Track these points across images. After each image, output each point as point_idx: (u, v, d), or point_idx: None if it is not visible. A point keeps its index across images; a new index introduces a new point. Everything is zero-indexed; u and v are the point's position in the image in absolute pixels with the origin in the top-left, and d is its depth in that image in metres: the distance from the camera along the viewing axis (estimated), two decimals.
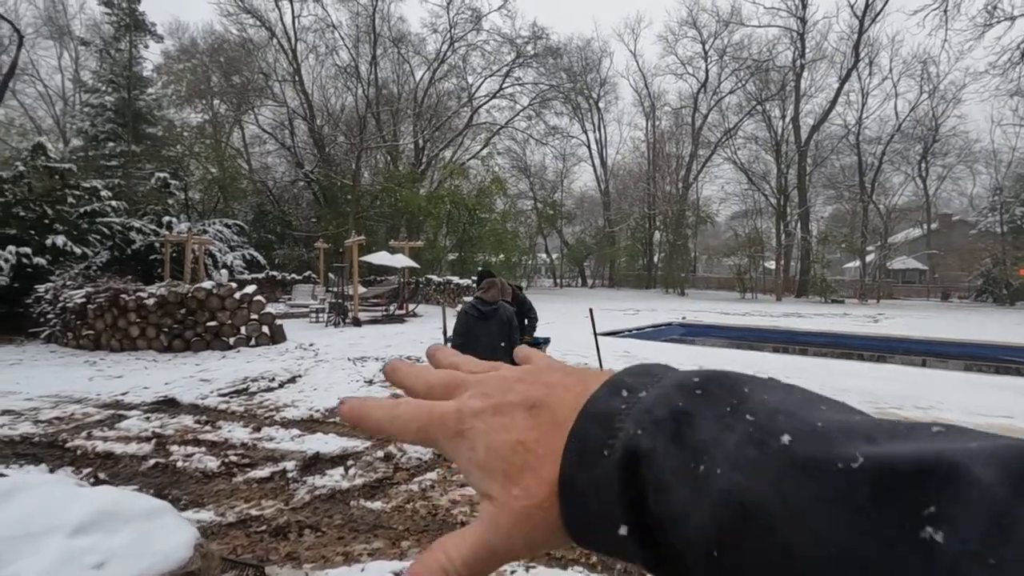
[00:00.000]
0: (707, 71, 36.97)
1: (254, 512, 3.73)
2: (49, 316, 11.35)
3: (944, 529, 0.15)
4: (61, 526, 1.74)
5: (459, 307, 4.86)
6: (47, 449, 5.05)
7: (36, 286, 12.14)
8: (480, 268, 5.51)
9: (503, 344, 4.67)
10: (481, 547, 0.25)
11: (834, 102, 33.96)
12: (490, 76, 35.30)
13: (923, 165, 36.56)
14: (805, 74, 34.38)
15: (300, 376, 8.07)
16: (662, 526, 0.21)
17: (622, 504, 0.22)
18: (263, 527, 3.51)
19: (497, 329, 4.63)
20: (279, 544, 3.31)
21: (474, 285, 4.96)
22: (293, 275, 25.12)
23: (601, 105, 41.77)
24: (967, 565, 0.15)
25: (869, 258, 34.31)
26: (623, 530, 0.22)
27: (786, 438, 0.20)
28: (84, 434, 5.40)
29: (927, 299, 34.05)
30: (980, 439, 0.17)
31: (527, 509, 0.24)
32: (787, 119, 35.04)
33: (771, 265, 36.81)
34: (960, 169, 38.23)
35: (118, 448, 4.95)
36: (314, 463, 4.62)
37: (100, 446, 5.00)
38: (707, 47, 36.65)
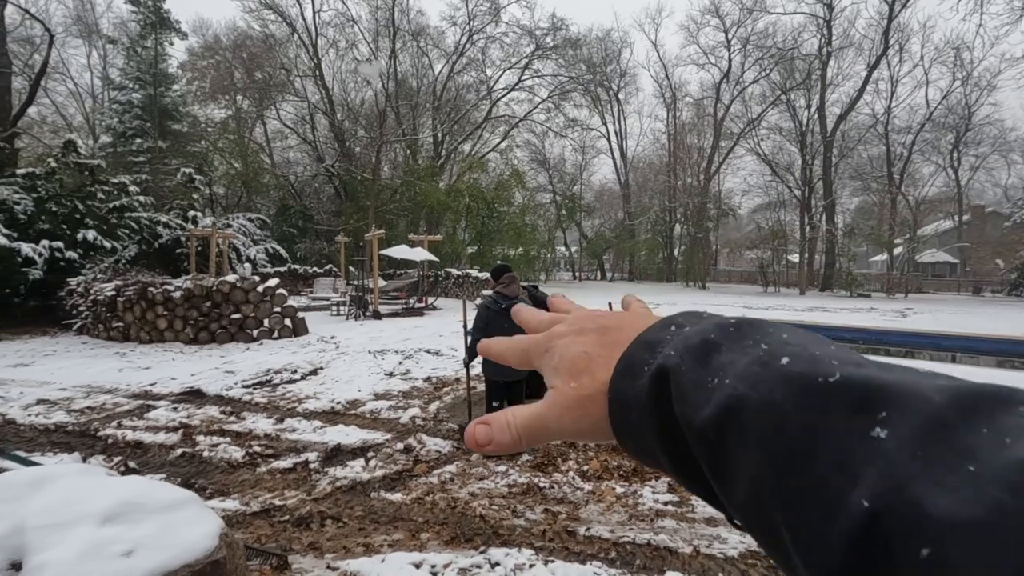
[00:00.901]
0: (730, 60, 36.27)
1: (277, 502, 3.79)
2: (81, 308, 11.67)
3: (889, 428, 0.20)
4: (89, 515, 1.78)
5: (477, 301, 4.85)
6: (80, 438, 5.20)
7: (68, 279, 12.49)
8: (498, 263, 5.50)
9: None
10: (536, 418, 0.33)
11: (862, 91, 33.02)
12: (509, 68, 35.15)
13: (955, 155, 35.38)
14: (832, 62, 33.47)
15: (322, 368, 8.17)
16: (679, 425, 0.27)
17: (651, 407, 0.28)
18: (286, 517, 3.56)
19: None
20: (302, 534, 3.36)
21: (491, 279, 4.94)
22: (314, 268, 25.43)
23: (621, 97, 41.32)
24: (899, 456, 0.19)
25: (897, 251, 33.41)
26: (650, 430, 0.28)
27: (785, 360, 0.24)
28: (115, 423, 5.54)
29: (958, 293, 33.08)
30: (949, 379, 0.21)
31: (579, 398, 0.32)
32: (812, 109, 34.20)
33: (795, 258, 36.09)
34: (994, 159, 36.94)
35: (147, 437, 5.08)
36: (335, 454, 4.68)
37: (130, 435, 5.13)
38: (730, 36, 35.92)
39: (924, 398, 0.20)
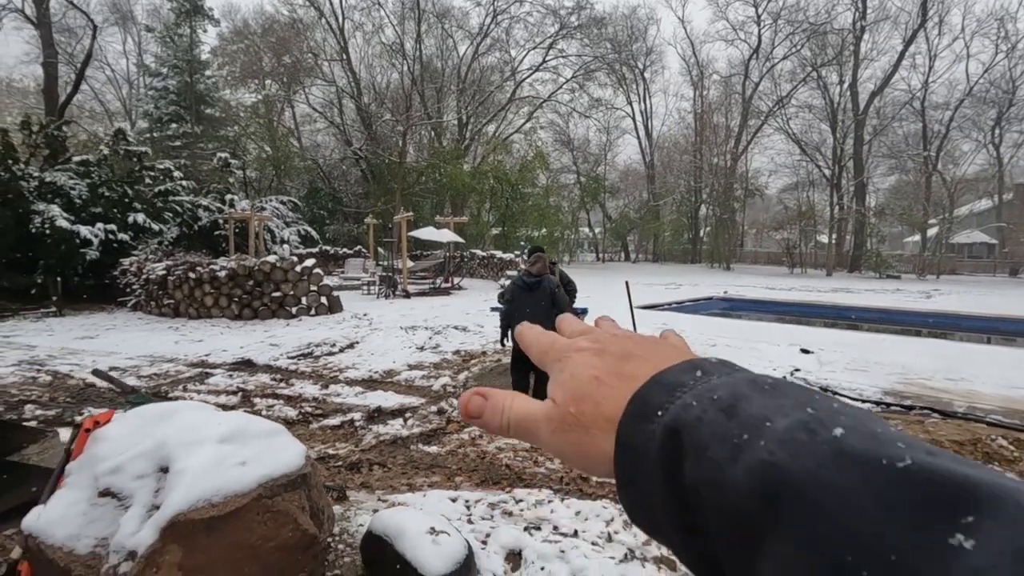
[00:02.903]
0: (759, 36, 35.47)
1: (331, 451, 4.39)
2: (134, 287, 12.57)
3: (977, 539, 0.15)
4: (211, 437, 2.33)
5: (502, 281, 5.33)
6: (153, 399, 5.89)
7: (121, 259, 13.40)
8: (529, 244, 5.96)
9: (546, 314, 5.12)
10: (530, 420, 0.31)
11: (897, 66, 32.04)
12: (533, 49, 35.07)
13: (997, 131, 34.14)
14: (866, 36, 32.51)
15: (357, 342, 8.79)
16: (695, 489, 0.22)
17: (661, 461, 0.23)
18: (340, 463, 4.15)
19: (541, 300, 5.09)
20: (354, 476, 3.94)
21: (525, 258, 5.49)
22: (344, 250, 26.23)
23: (647, 75, 40.80)
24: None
25: (933, 231, 32.63)
26: (657, 489, 0.23)
27: (839, 431, 0.20)
28: (181, 387, 6.24)
29: (993, 275, 32.26)
30: None
31: (575, 425, 0.28)
32: (845, 85, 33.33)
33: (824, 239, 35.57)
34: None
35: (211, 399, 5.74)
36: (377, 415, 5.26)
37: (196, 397, 5.81)
38: (760, 10, 35.07)
39: (1022, 506, 0.16)
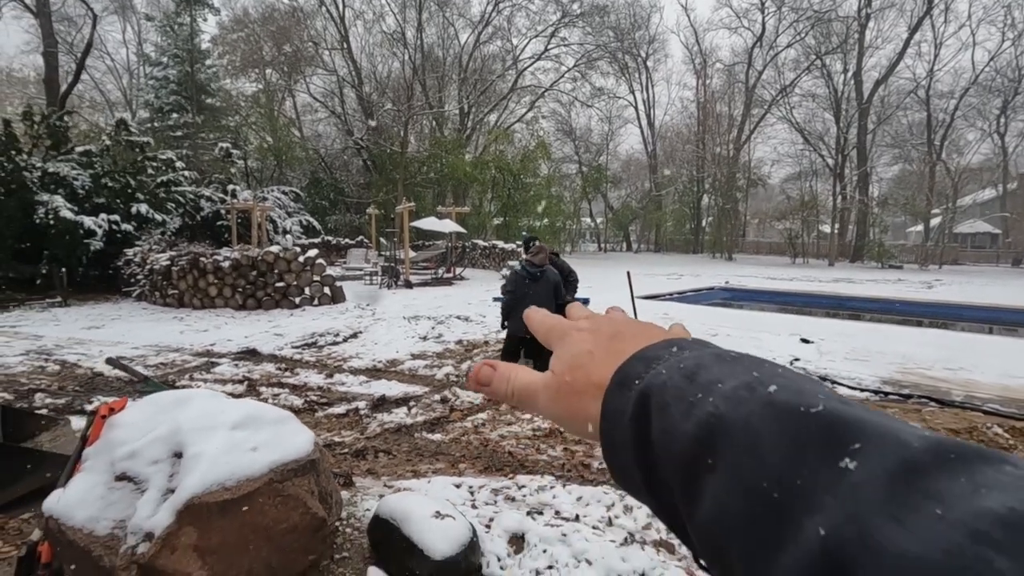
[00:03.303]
0: (763, 24, 35.16)
1: (336, 439, 4.47)
2: (139, 277, 12.64)
3: (859, 461, 0.19)
4: (224, 423, 2.40)
5: (504, 271, 5.40)
6: (166, 387, 5.97)
7: (125, 250, 13.46)
8: (525, 234, 5.90)
9: (548, 304, 5.19)
10: (532, 388, 0.36)
11: (902, 54, 31.79)
12: (535, 37, 34.85)
13: (1002, 120, 33.91)
14: (871, 24, 32.24)
15: (361, 332, 8.86)
16: (658, 444, 0.26)
17: (633, 423, 0.28)
18: (345, 450, 4.23)
19: (543, 290, 5.15)
20: (360, 463, 4.02)
21: (521, 250, 5.52)
22: (346, 240, 26.24)
23: (649, 64, 40.54)
24: (863, 489, 0.19)
25: (936, 221, 32.53)
26: (630, 446, 0.28)
27: (772, 387, 0.24)
28: (187, 376, 6.32)
29: (996, 265, 32.21)
30: (935, 434, 0.20)
31: (569, 392, 0.34)
32: (849, 74, 33.10)
33: (826, 229, 35.52)
34: None
35: (218, 388, 5.82)
36: (381, 403, 5.34)
37: (203, 386, 5.89)
38: None
39: (902, 441, 0.20)
